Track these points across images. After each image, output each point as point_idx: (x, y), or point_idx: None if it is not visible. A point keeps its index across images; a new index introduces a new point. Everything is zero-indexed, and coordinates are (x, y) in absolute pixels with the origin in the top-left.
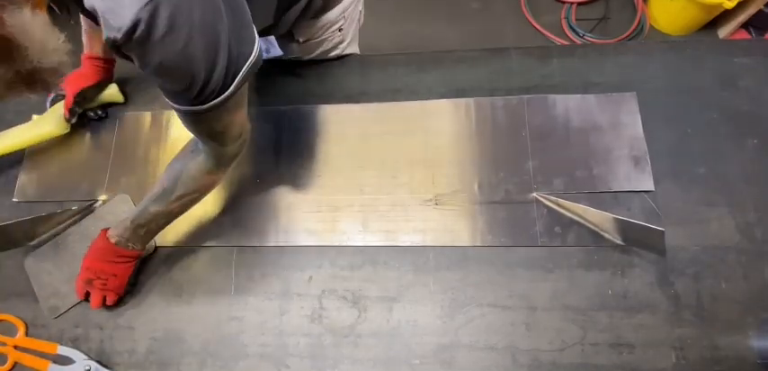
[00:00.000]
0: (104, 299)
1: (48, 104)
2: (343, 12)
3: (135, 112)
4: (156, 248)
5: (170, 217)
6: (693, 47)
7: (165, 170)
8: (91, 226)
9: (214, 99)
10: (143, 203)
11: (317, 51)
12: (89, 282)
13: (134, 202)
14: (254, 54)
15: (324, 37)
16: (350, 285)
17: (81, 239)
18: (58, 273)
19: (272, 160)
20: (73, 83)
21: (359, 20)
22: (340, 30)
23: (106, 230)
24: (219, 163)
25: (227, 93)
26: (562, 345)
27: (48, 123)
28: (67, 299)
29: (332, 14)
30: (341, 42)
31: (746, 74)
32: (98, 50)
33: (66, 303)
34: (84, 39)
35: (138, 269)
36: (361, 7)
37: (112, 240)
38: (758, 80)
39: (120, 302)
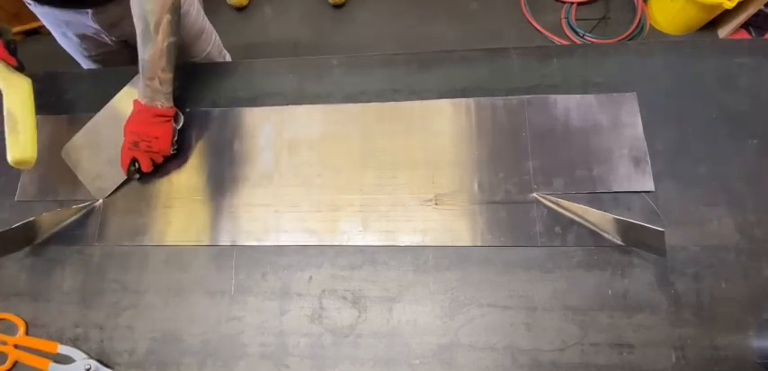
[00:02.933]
0: (152, 162)
1: None
2: None
3: None
4: (188, 111)
5: (166, 54)
6: (693, 47)
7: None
8: (116, 111)
9: None
10: (140, 59)
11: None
12: (135, 145)
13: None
14: None
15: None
16: (350, 285)
17: (112, 124)
18: (96, 158)
19: (272, 160)
20: None
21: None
22: None
23: (137, 100)
24: None
25: None
26: (562, 345)
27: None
28: (112, 178)
29: None
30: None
31: (746, 74)
32: None
33: (111, 182)
34: None
35: (179, 135)
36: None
37: (144, 103)
38: (758, 80)
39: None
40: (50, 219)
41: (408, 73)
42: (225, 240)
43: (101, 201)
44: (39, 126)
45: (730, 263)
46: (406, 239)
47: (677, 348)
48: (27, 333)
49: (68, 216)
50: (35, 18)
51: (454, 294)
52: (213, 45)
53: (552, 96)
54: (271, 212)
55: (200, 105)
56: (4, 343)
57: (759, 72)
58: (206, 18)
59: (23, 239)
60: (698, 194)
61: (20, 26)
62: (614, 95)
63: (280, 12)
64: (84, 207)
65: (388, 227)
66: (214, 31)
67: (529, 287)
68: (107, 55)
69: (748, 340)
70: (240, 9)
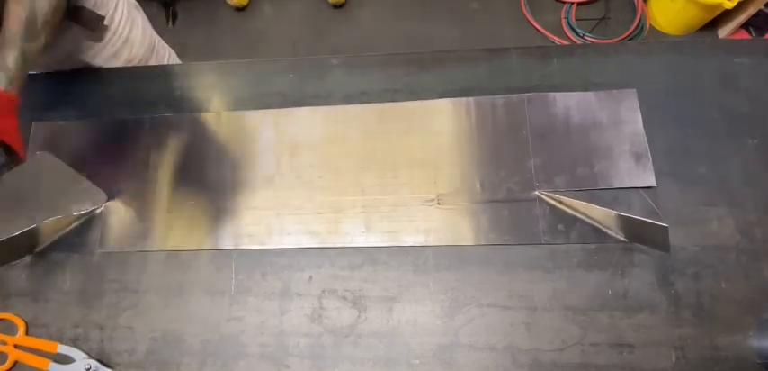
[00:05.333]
0: None
1: None
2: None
3: (134, 115)
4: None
5: (38, 51)
6: (693, 47)
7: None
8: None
9: None
10: (16, 50)
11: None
12: None
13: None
14: None
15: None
16: (350, 285)
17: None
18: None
19: (273, 162)
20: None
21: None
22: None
23: None
24: None
25: None
26: (562, 345)
27: None
28: None
29: None
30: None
31: (746, 74)
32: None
33: None
34: None
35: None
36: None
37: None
38: (758, 80)
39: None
40: (51, 226)
41: (408, 73)
42: (227, 245)
43: (102, 207)
44: (35, 133)
45: (730, 263)
46: (409, 240)
47: (677, 348)
48: (27, 333)
49: (69, 223)
50: None
51: (454, 294)
52: (169, 59)
53: (551, 94)
54: (273, 215)
55: (200, 107)
56: (4, 343)
57: (759, 72)
58: (155, 35)
59: (24, 247)
60: (698, 193)
61: None
62: (613, 91)
63: (279, 11)
64: (86, 214)
65: (391, 227)
66: (167, 46)
67: (529, 287)
68: None
69: (748, 340)
70: (240, 9)
